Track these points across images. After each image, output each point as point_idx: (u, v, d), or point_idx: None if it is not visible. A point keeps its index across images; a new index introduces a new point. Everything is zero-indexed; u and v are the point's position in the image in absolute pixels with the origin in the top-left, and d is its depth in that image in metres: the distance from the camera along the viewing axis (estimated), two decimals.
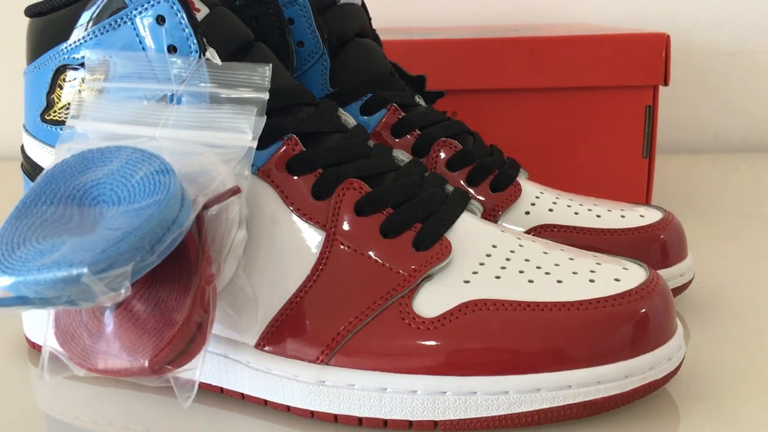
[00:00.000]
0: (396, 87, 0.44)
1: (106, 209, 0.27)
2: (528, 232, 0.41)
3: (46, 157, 0.36)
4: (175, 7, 0.32)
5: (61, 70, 0.34)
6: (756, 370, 0.36)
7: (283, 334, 0.32)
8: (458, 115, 0.57)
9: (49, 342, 0.30)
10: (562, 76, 0.56)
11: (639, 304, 0.31)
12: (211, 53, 0.32)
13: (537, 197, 0.42)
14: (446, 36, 0.59)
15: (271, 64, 0.32)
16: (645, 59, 0.55)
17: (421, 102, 0.46)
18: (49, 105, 0.35)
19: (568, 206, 0.42)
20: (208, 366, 0.33)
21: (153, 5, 0.32)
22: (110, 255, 0.24)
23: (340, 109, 0.38)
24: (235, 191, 0.29)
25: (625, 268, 0.33)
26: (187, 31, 0.32)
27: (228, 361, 0.33)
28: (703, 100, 0.85)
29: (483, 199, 0.41)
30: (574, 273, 0.32)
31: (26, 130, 0.37)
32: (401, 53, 0.57)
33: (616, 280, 0.32)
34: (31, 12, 0.36)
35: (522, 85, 0.56)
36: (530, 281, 0.32)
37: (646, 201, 0.58)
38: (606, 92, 0.56)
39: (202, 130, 0.31)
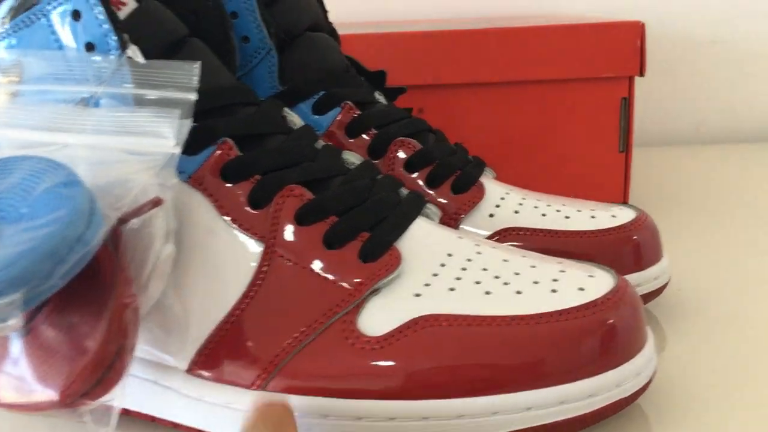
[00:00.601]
0: (351, 83, 0.42)
1: (5, 226, 0.24)
2: (492, 236, 0.38)
3: None
4: (90, 2, 0.29)
5: None
6: (736, 381, 0.33)
7: (217, 356, 0.29)
8: (425, 112, 0.55)
9: None
10: (532, 68, 0.53)
11: (605, 316, 0.28)
12: (133, 51, 0.29)
13: (502, 198, 0.39)
14: (410, 29, 0.56)
15: (199, 62, 0.29)
16: (619, 49, 0.53)
17: (381, 99, 0.44)
18: None
19: (535, 207, 0.39)
20: (137, 393, 0.31)
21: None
22: None
23: (286, 109, 0.35)
24: (157, 203, 0.27)
25: (591, 276, 0.31)
26: (105, 27, 0.29)
27: (158, 388, 0.30)
28: (684, 90, 0.82)
29: (445, 201, 0.39)
30: (535, 282, 0.30)
31: None
32: (363, 48, 0.54)
33: (581, 289, 0.29)
34: None
35: (491, 78, 0.54)
36: (487, 293, 0.29)
37: (624, 198, 0.55)
38: (579, 84, 0.54)
39: (121, 136, 0.28)
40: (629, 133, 0.54)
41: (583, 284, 0.30)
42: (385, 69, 0.49)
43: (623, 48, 0.53)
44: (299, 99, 0.40)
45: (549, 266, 0.31)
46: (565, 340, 0.28)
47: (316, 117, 0.40)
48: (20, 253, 0.22)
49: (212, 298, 0.30)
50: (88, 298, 0.26)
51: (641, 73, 0.53)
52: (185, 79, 0.29)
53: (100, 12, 0.29)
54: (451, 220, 0.38)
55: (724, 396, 0.32)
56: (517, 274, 0.30)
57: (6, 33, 0.30)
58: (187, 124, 0.28)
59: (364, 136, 0.40)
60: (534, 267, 0.31)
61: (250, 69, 0.39)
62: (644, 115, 0.81)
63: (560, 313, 0.28)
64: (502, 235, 0.38)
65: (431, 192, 0.39)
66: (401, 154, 0.40)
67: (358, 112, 0.40)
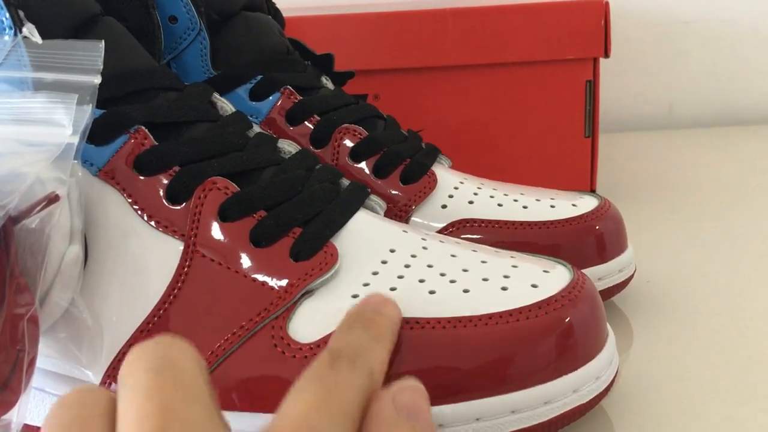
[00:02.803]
0: (293, 67, 0.39)
1: None
2: (446, 228, 0.35)
3: None
4: None
5: None
6: (707, 379, 0.31)
7: None
8: (381, 99, 0.52)
9: None
10: (492, 51, 0.51)
11: (559, 315, 0.26)
12: (30, 29, 0.26)
13: (456, 188, 0.37)
14: (364, 10, 0.53)
15: (103, 41, 0.26)
16: (582, 29, 0.50)
17: (329, 84, 0.41)
18: None
19: (491, 197, 0.36)
20: (46, 409, 0.27)
21: None
22: None
23: (216, 95, 0.32)
24: (52, 199, 0.24)
25: (546, 271, 0.28)
26: None
27: None
28: (654, 72, 0.80)
29: (394, 192, 0.36)
30: (485, 280, 0.27)
31: None
32: (313, 31, 0.51)
33: (533, 286, 0.27)
34: None
35: (450, 62, 0.51)
36: (431, 292, 0.26)
37: (591, 185, 0.53)
38: (541, 67, 0.51)
39: (13, 125, 0.25)
40: (595, 118, 0.52)
41: (537, 280, 0.27)
42: (337, 53, 0.46)
43: (586, 28, 0.50)
44: (235, 84, 0.37)
45: (501, 261, 0.28)
46: (516, 343, 0.25)
47: (254, 103, 0.37)
48: None
49: (128, 303, 0.27)
50: None
51: (606, 54, 0.50)
52: (89, 60, 0.26)
53: None
54: (401, 212, 0.35)
55: (693, 397, 0.30)
56: (465, 270, 0.28)
57: None
58: (88, 110, 0.25)
59: (306, 123, 0.37)
60: (485, 262, 0.28)
61: (180, 52, 0.36)
62: (612, 99, 0.79)
63: (510, 313, 0.26)
64: (455, 227, 0.35)
65: (379, 182, 0.36)
66: (347, 143, 0.37)
67: (300, 97, 0.37)
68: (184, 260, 0.27)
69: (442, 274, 0.27)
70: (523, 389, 0.25)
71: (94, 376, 0.27)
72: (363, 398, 0.21)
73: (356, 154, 0.36)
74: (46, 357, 0.27)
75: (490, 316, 0.25)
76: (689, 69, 0.81)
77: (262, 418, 0.25)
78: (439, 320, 0.25)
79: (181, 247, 0.27)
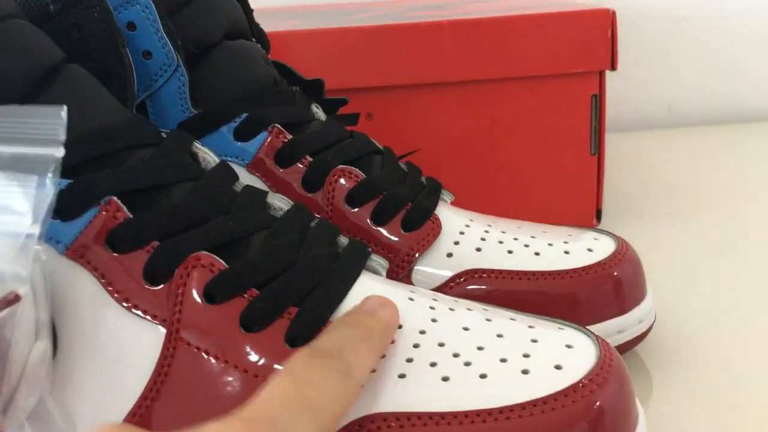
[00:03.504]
0: (281, 100, 0.35)
1: None
2: (452, 279, 0.32)
3: None
4: None
5: None
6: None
7: None
8: (374, 117, 0.48)
9: None
10: (491, 65, 0.47)
11: (589, 401, 0.23)
12: None
13: (461, 233, 0.34)
14: (355, 21, 0.50)
15: (65, 106, 0.23)
16: (588, 41, 0.47)
17: (320, 113, 0.37)
18: None
19: (500, 242, 0.33)
20: None
21: None
22: None
23: (197, 144, 0.29)
24: (11, 300, 0.21)
25: (569, 346, 0.25)
26: None
27: None
28: (651, 70, 0.77)
29: (395, 239, 0.33)
30: (503, 360, 0.24)
31: None
32: (299, 46, 0.47)
33: (557, 367, 0.24)
34: None
35: (446, 78, 0.48)
36: (445, 378, 0.24)
37: (597, 204, 0.50)
38: (544, 81, 0.48)
39: None
40: (601, 134, 0.49)
41: (561, 360, 0.24)
42: (328, 69, 0.43)
43: (592, 39, 0.47)
44: (218, 123, 0.34)
45: (519, 333, 0.26)
46: None
47: (240, 143, 0.34)
48: None
49: (105, 398, 0.24)
50: None
51: (613, 67, 0.47)
52: (49, 129, 0.23)
53: None
54: (402, 262, 0.33)
55: None
56: (480, 348, 0.25)
57: None
58: (50, 192, 0.22)
59: (298, 164, 0.34)
60: (501, 336, 0.25)
61: (156, 90, 0.33)
62: (610, 99, 0.76)
63: (534, 403, 0.23)
64: (463, 278, 0.32)
65: (378, 229, 0.33)
66: (342, 185, 0.34)
67: (289, 136, 0.34)
68: (167, 349, 0.24)
69: (456, 355, 0.24)
70: None
71: None
72: (337, 397, 0.21)
73: (353, 199, 0.33)
74: None
75: (511, 409, 0.23)
76: (687, 67, 0.78)
77: None
78: (455, 415, 0.23)
79: (163, 334, 0.24)
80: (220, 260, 0.25)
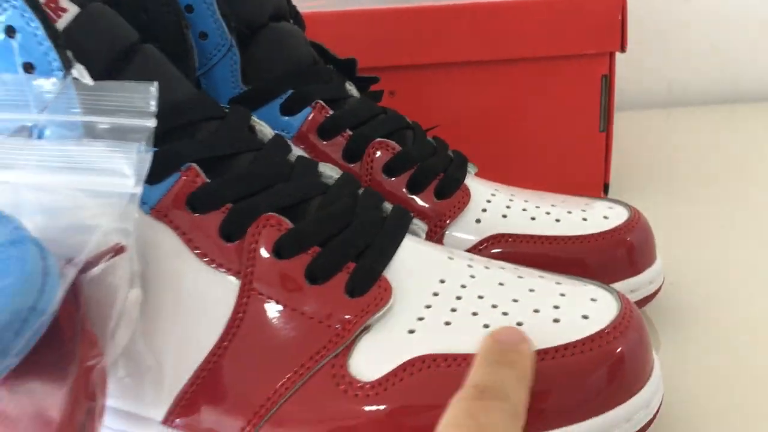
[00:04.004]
0: (321, 78, 0.38)
1: None
2: (480, 243, 0.36)
3: None
4: (26, 16, 0.25)
5: None
6: (738, 387, 0.32)
7: (197, 405, 0.27)
8: (397, 95, 0.51)
9: None
10: (509, 46, 0.50)
11: (612, 347, 0.26)
12: (79, 71, 0.26)
13: (488, 201, 0.37)
14: (375, 3, 0.53)
15: (156, 82, 0.26)
16: (599, 24, 0.50)
17: (353, 90, 0.40)
18: None
19: (524, 210, 0.37)
20: None
21: None
22: None
23: (254, 118, 0.32)
24: (118, 250, 0.24)
25: (593, 299, 0.29)
26: (45, 44, 0.25)
27: None
28: (652, 49, 0.80)
29: (428, 207, 0.36)
30: (536, 311, 0.28)
31: None
32: (328, 27, 0.50)
33: (584, 317, 0.27)
34: None
35: (465, 58, 0.51)
36: (486, 326, 0.27)
37: (604, 178, 0.54)
38: (557, 62, 0.51)
39: (72, 174, 0.24)
40: (610, 112, 0.52)
41: (587, 311, 0.28)
42: (352, 49, 0.45)
43: (603, 23, 0.50)
44: (266, 99, 0.36)
45: (548, 288, 0.29)
46: (572, 378, 0.26)
47: (286, 118, 0.37)
48: None
49: (187, 342, 0.27)
50: (49, 362, 0.23)
51: (622, 49, 0.50)
52: (142, 102, 0.26)
53: (37, 27, 0.25)
54: (435, 227, 0.36)
55: (725, 407, 0.31)
56: (515, 300, 0.28)
57: None
58: (148, 157, 0.25)
59: (339, 137, 0.37)
60: (532, 291, 0.29)
61: (210, 68, 0.36)
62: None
63: (565, 347, 0.26)
64: (490, 242, 0.36)
65: (413, 197, 0.36)
66: (379, 157, 0.37)
67: (331, 111, 0.37)
68: (241, 298, 0.27)
69: (494, 306, 0.28)
70: (579, 422, 0.26)
71: (158, 414, 0.27)
72: None
73: (390, 170, 0.36)
74: (108, 396, 0.27)
75: (546, 351, 0.26)
76: (688, 48, 0.81)
77: None
78: None
79: (237, 285, 0.27)
80: (287, 220, 0.28)
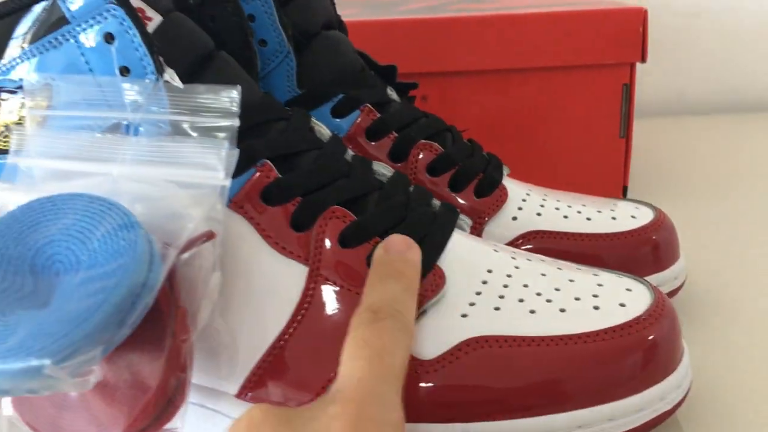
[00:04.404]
0: (368, 83, 0.41)
1: (63, 273, 0.24)
2: (516, 239, 0.38)
3: None
4: (125, 24, 0.28)
5: None
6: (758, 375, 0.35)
7: (267, 381, 0.29)
8: (428, 100, 0.54)
9: (6, 410, 0.27)
10: (535, 55, 0.53)
11: (648, 332, 0.29)
12: (170, 74, 0.28)
13: (524, 200, 0.40)
14: (401, 13, 0.55)
15: (239, 86, 0.28)
16: (621, 36, 0.53)
17: (394, 95, 0.43)
18: None
19: (557, 209, 0.39)
20: (176, 418, 0.30)
21: (99, 21, 0.28)
22: (74, 339, 0.21)
23: (313, 119, 0.35)
24: (210, 236, 0.26)
25: (629, 289, 0.31)
26: (140, 50, 0.28)
27: (206, 412, 0.30)
28: (663, 60, 0.83)
29: (467, 204, 0.39)
30: (577, 299, 0.30)
31: None
32: (363, 35, 0.53)
33: (622, 305, 0.30)
34: None
35: (493, 66, 0.53)
36: (532, 311, 0.30)
37: (623, 181, 0.56)
38: (581, 71, 0.54)
39: (166, 167, 0.27)
40: (630, 119, 0.55)
41: (623, 299, 0.30)
42: (387, 57, 0.48)
43: (625, 34, 0.53)
44: (319, 103, 0.39)
45: (586, 279, 0.32)
46: (613, 359, 0.28)
47: (337, 120, 0.39)
48: (92, 306, 0.22)
49: (259, 323, 0.30)
50: (147, 335, 0.25)
51: (643, 60, 0.53)
52: (226, 104, 0.28)
53: (135, 35, 0.28)
54: (475, 224, 0.38)
55: (745, 390, 0.33)
56: (557, 289, 0.31)
57: (29, 53, 0.29)
58: (235, 153, 0.27)
59: (385, 139, 0.40)
60: (572, 281, 0.31)
61: (268, 73, 0.38)
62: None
63: (605, 331, 0.29)
64: (525, 239, 0.38)
65: (454, 196, 0.39)
66: (423, 158, 0.39)
67: (378, 114, 0.40)
68: (309, 283, 0.30)
69: (538, 294, 0.30)
70: (619, 399, 0.28)
71: (232, 388, 0.30)
72: (405, 353, 0.25)
73: (432, 170, 0.39)
74: None
75: (587, 335, 0.29)
76: (698, 59, 0.84)
77: None
78: (543, 338, 0.29)
79: (306, 272, 0.30)
80: (351, 213, 0.30)
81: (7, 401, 0.27)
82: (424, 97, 0.54)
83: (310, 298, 0.29)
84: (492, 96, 0.54)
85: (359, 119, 0.40)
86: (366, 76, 0.41)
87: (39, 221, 0.24)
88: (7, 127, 0.30)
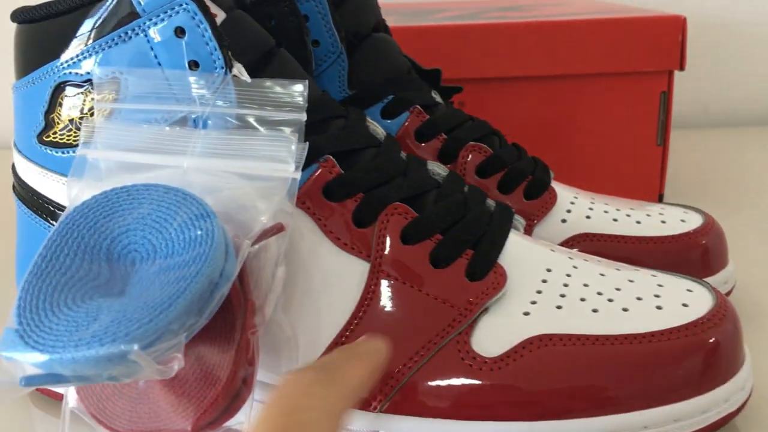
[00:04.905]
0: (416, 86, 0.41)
1: (139, 262, 0.24)
2: (565, 242, 0.38)
3: (45, 182, 0.32)
4: (196, 18, 0.28)
5: (60, 87, 0.30)
6: None
7: None
8: (465, 105, 0.54)
9: (71, 401, 0.27)
10: (573, 62, 0.53)
11: (712, 333, 0.29)
12: (239, 69, 0.28)
13: (572, 203, 0.40)
14: (438, 20, 0.56)
15: (306, 81, 0.29)
16: (660, 44, 0.53)
17: (438, 99, 0.43)
18: (48, 125, 0.31)
19: (605, 212, 0.39)
20: (240, 413, 0.30)
21: (170, 15, 0.28)
22: (159, 325, 0.21)
23: (368, 118, 0.35)
24: (280, 229, 0.26)
25: (689, 290, 0.31)
26: (210, 44, 0.28)
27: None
28: (689, 72, 0.83)
29: (516, 206, 0.39)
30: (639, 299, 0.30)
31: (19, 151, 0.33)
32: (403, 41, 0.53)
33: (684, 305, 0.30)
34: (20, 18, 0.32)
35: (532, 72, 0.53)
36: (594, 310, 0.30)
37: (660, 189, 0.56)
38: (619, 78, 0.54)
39: (235, 159, 0.27)
40: (667, 127, 0.55)
41: (685, 299, 0.30)
42: (426, 63, 0.48)
43: (664, 42, 0.53)
44: (370, 103, 0.39)
45: (645, 280, 0.32)
46: (677, 359, 0.28)
47: (387, 121, 0.39)
48: (174, 293, 0.22)
49: (321, 319, 0.30)
50: (217, 327, 0.25)
51: (681, 68, 0.53)
52: (295, 98, 0.28)
53: (206, 29, 0.28)
54: (525, 227, 0.38)
55: None
56: (618, 289, 0.31)
57: (97, 47, 0.29)
58: (304, 147, 0.27)
59: (434, 140, 0.40)
60: (632, 281, 0.31)
61: (319, 74, 0.39)
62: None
63: (670, 331, 0.29)
64: (575, 241, 0.38)
65: (504, 198, 0.39)
66: (472, 160, 0.39)
67: (426, 116, 0.40)
68: (371, 279, 0.29)
69: (599, 293, 0.30)
70: (684, 400, 0.28)
71: None
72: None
73: (482, 171, 0.39)
74: None
75: (652, 334, 0.29)
76: (723, 70, 0.84)
77: (452, 424, 0.28)
78: (607, 337, 0.28)
79: (368, 268, 0.30)
80: (412, 209, 0.30)
81: (72, 393, 0.27)
82: (461, 103, 0.54)
83: (371, 294, 0.29)
84: (530, 102, 0.54)
85: (408, 121, 0.40)
86: (414, 79, 0.41)
87: (115, 211, 0.25)
88: (71, 121, 0.30)
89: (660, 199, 0.57)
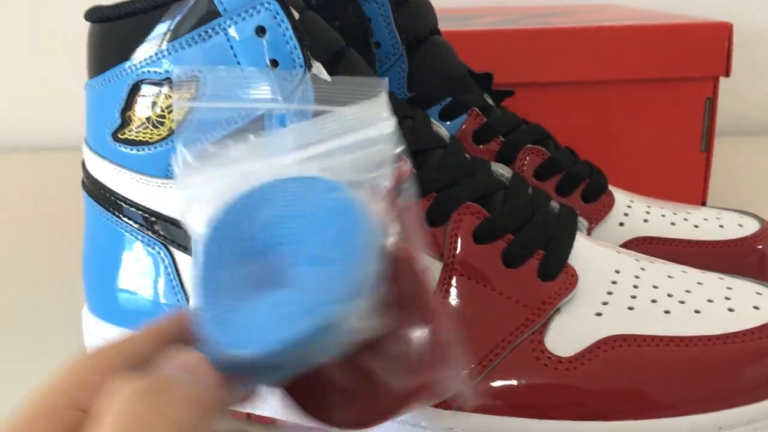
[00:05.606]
0: (472, 89, 0.41)
1: (289, 253, 0.24)
2: (624, 245, 0.38)
3: (117, 178, 0.32)
4: (278, 17, 0.28)
5: (137, 86, 0.31)
6: None
7: None
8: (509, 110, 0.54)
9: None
10: (618, 68, 0.53)
11: None
12: (317, 67, 0.29)
13: (629, 206, 0.40)
14: (484, 23, 0.56)
15: (386, 78, 0.29)
16: (706, 50, 0.53)
17: (490, 101, 0.43)
18: (125, 123, 0.31)
19: (663, 216, 0.39)
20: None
21: (252, 15, 0.28)
22: (355, 285, 0.21)
23: (432, 119, 0.35)
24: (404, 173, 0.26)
25: (759, 293, 0.31)
26: (291, 43, 0.28)
27: None
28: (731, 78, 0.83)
29: (576, 210, 0.39)
30: (710, 301, 0.30)
31: (90, 148, 0.34)
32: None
33: (756, 308, 0.30)
34: (94, 17, 0.32)
35: (577, 77, 0.54)
36: (666, 312, 0.30)
37: (703, 196, 0.56)
38: (665, 84, 0.54)
39: (335, 139, 0.26)
40: (711, 133, 0.55)
41: (756, 302, 0.30)
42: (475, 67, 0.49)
43: (710, 48, 0.53)
44: (429, 105, 0.40)
45: (714, 282, 0.32)
46: (756, 360, 0.28)
47: (447, 123, 0.40)
48: (348, 260, 0.22)
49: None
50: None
51: (727, 74, 0.53)
52: (372, 94, 0.29)
53: (287, 28, 0.28)
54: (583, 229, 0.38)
55: None
56: (688, 291, 0.31)
57: (176, 46, 0.29)
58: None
59: (492, 143, 0.40)
60: (700, 284, 0.31)
61: (380, 75, 0.39)
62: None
63: (744, 333, 0.29)
64: (632, 244, 0.38)
65: (562, 200, 0.39)
66: (530, 162, 0.39)
67: (484, 118, 0.40)
68: (444, 278, 0.30)
69: (669, 295, 0.30)
70: (760, 401, 0.28)
71: None
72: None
73: (540, 174, 0.39)
74: None
75: (727, 336, 0.29)
76: (754, 79, 0.84)
77: (526, 422, 0.28)
78: (681, 338, 0.29)
79: (439, 267, 0.30)
80: (484, 209, 0.31)
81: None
82: (507, 107, 0.54)
83: (444, 293, 0.30)
84: (575, 107, 0.54)
85: (465, 123, 0.40)
86: (470, 82, 0.42)
87: (256, 207, 0.24)
88: (148, 119, 0.31)
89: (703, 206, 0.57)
